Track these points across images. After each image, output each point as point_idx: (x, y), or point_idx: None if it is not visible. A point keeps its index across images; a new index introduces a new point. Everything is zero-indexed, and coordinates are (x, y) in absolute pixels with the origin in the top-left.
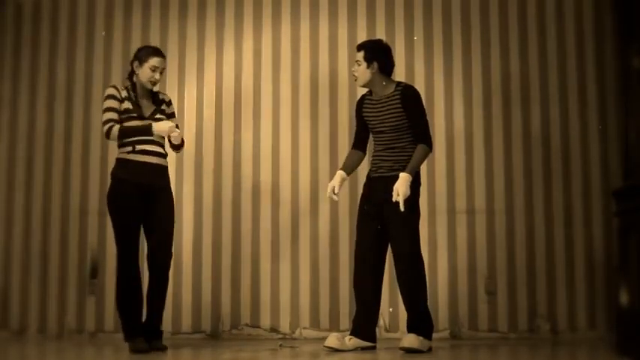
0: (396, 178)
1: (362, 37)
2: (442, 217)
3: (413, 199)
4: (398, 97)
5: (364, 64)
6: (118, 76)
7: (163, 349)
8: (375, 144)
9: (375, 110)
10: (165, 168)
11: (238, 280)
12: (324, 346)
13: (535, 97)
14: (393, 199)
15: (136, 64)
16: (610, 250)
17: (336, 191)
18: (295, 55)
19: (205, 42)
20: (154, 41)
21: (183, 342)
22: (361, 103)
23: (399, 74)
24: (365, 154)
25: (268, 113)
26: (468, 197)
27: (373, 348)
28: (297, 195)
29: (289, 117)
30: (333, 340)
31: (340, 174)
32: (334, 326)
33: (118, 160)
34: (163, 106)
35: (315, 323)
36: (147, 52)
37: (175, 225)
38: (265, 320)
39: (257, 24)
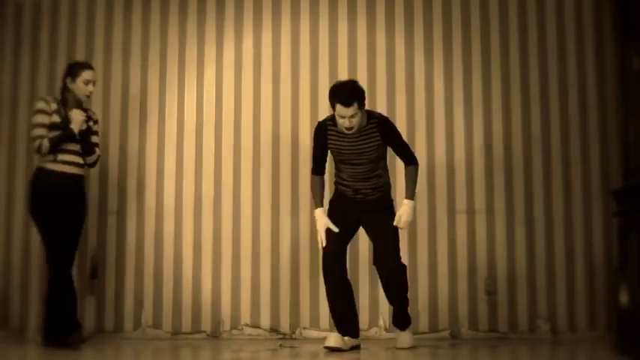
0: (377, 200)
1: (362, 36)
2: (442, 217)
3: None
4: (375, 129)
5: (359, 112)
6: (117, 75)
7: (81, 341)
8: (345, 173)
9: (348, 143)
10: (83, 177)
11: (238, 280)
12: (329, 347)
13: (535, 97)
14: (395, 223)
15: (69, 79)
16: (610, 250)
17: (332, 228)
18: (295, 55)
19: (205, 41)
20: (154, 41)
21: (183, 342)
22: (325, 132)
23: (399, 74)
24: (324, 175)
25: (268, 113)
26: (468, 197)
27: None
28: (296, 195)
29: (289, 116)
30: (337, 340)
31: (321, 211)
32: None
33: (39, 169)
34: (90, 123)
35: (315, 323)
36: (79, 66)
37: (175, 225)
38: (265, 320)
39: (257, 23)
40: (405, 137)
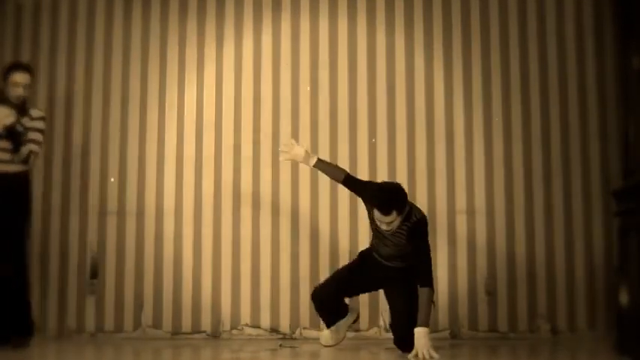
0: (404, 270)
1: (362, 35)
2: (442, 217)
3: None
4: (404, 231)
5: (399, 217)
6: (117, 75)
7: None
8: (378, 243)
9: (384, 236)
10: (8, 175)
11: (238, 280)
12: (326, 345)
13: (535, 97)
14: (420, 357)
15: (1, 80)
16: (610, 250)
17: (287, 157)
18: (295, 55)
19: (205, 41)
20: (154, 41)
21: (183, 342)
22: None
23: (399, 73)
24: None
25: (268, 113)
26: (468, 197)
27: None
28: (297, 196)
29: (289, 116)
30: (328, 339)
31: (311, 160)
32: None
33: None
34: (25, 119)
35: (315, 323)
36: (11, 68)
37: (175, 225)
38: (265, 320)
39: (257, 23)
40: (404, 135)
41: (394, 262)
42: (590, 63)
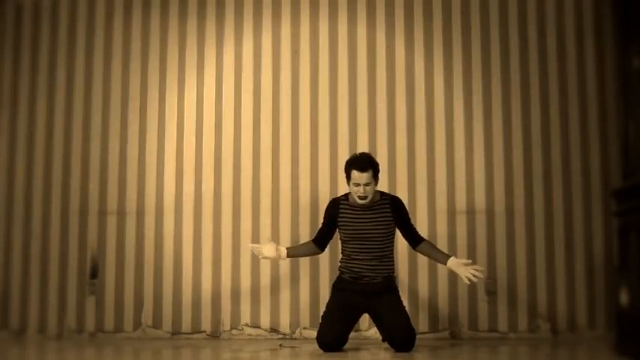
0: (381, 284)
1: (362, 36)
2: (442, 217)
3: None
4: (388, 205)
5: (373, 182)
6: (117, 76)
7: None
8: (353, 251)
9: (360, 218)
10: None
11: (238, 280)
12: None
13: (535, 97)
14: (471, 277)
15: None
16: (610, 250)
17: (261, 256)
18: (295, 55)
19: (205, 42)
20: (154, 41)
21: (183, 342)
22: (337, 208)
23: (399, 74)
24: (323, 251)
25: (268, 114)
26: (468, 197)
27: None
28: (297, 195)
29: (289, 117)
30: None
31: (282, 251)
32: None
33: None
34: None
35: (315, 323)
36: None
37: (175, 225)
38: (265, 320)
39: (257, 24)
40: (405, 138)
41: (369, 266)
42: (590, 63)
